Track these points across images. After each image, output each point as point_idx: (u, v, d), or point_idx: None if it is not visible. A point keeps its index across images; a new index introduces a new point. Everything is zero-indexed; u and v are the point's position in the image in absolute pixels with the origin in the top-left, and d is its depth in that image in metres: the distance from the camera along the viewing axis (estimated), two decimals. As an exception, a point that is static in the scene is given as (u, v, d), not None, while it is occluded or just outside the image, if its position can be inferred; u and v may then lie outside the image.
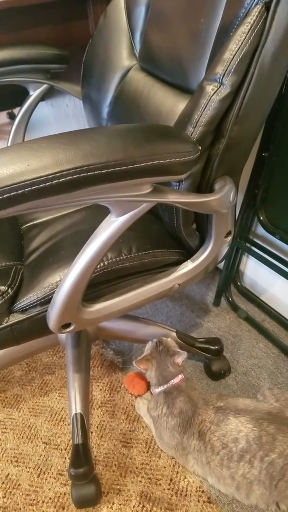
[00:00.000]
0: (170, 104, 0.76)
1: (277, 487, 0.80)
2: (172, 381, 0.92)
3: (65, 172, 0.43)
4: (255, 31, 0.56)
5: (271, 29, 0.56)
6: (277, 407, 0.89)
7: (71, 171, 0.43)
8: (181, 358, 0.93)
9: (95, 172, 0.44)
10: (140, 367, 0.93)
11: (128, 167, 0.46)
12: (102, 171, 0.45)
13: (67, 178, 0.43)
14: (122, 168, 0.46)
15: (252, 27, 0.56)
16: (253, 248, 1.24)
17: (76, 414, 0.93)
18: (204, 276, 0.81)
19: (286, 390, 1.10)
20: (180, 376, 0.93)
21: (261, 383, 1.14)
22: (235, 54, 0.57)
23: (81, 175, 0.44)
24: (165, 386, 0.92)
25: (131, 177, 0.48)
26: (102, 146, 0.46)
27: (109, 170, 0.45)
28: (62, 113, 1.76)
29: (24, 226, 0.90)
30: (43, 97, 1.07)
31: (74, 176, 0.43)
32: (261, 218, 1.15)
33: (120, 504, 0.89)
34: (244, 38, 0.57)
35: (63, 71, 1.04)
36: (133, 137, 0.49)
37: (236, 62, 0.57)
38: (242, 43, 0.57)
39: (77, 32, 1.17)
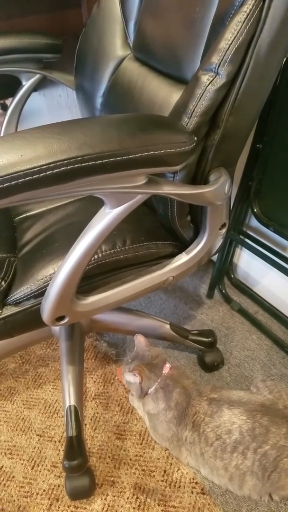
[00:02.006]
0: (165, 94, 0.75)
1: (270, 478, 0.81)
2: (163, 372, 0.92)
3: (59, 163, 0.42)
4: (251, 20, 0.55)
5: (267, 18, 0.55)
6: (271, 399, 0.90)
7: (65, 161, 0.42)
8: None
9: (90, 163, 0.44)
10: (135, 373, 0.90)
11: (123, 157, 0.46)
12: (97, 162, 0.44)
13: (61, 169, 0.42)
14: (117, 159, 0.45)
15: (248, 16, 0.55)
16: (247, 240, 1.24)
17: (70, 406, 0.93)
18: (198, 268, 0.81)
19: (279, 382, 1.11)
20: (167, 365, 0.93)
21: (254, 375, 1.15)
22: (230, 44, 0.56)
23: (75, 166, 0.43)
24: (159, 380, 0.91)
25: (126, 168, 0.47)
26: (96, 136, 0.45)
27: (103, 161, 0.44)
28: (55, 104, 1.74)
29: (17, 218, 0.89)
30: (36, 87, 1.05)
31: (68, 167, 0.43)
32: (255, 210, 1.15)
33: (114, 496, 0.89)
34: (240, 28, 0.56)
35: (56, 61, 1.02)
36: (128, 127, 0.49)
37: (232, 51, 0.56)
38: (238, 33, 0.56)
39: (70, 21, 1.15)
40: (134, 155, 0.46)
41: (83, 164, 0.43)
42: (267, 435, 0.82)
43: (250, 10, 0.55)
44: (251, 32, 0.56)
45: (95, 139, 0.45)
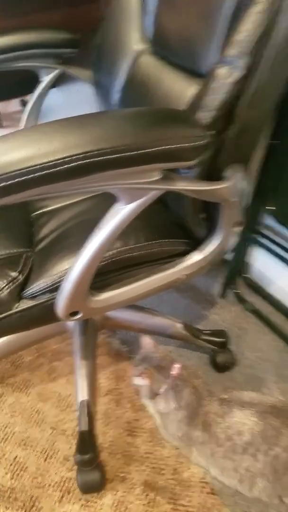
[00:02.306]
0: (181, 88, 0.75)
1: (281, 481, 0.80)
2: (172, 372, 0.91)
3: (74, 157, 0.42)
4: (268, 11, 0.55)
5: (284, 9, 0.55)
6: (283, 401, 0.89)
7: (81, 155, 0.42)
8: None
9: (105, 157, 0.44)
10: (143, 377, 0.89)
11: (139, 152, 0.46)
12: (112, 156, 0.44)
13: (78, 163, 0.42)
14: (132, 153, 0.45)
15: (266, 7, 0.55)
16: (262, 239, 1.23)
17: (82, 401, 0.94)
18: (211, 267, 0.81)
19: (291, 384, 1.10)
20: (176, 365, 0.92)
21: (266, 376, 1.13)
22: (248, 36, 0.56)
23: (91, 160, 0.43)
24: (168, 381, 0.91)
25: (140, 163, 0.47)
26: (111, 130, 0.45)
27: (118, 155, 0.44)
28: (73, 100, 1.75)
29: (34, 213, 0.90)
30: (54, 83, 1.06)
31: (84, 161, 0.43)
32: (271, 208, 1.13)
33: (124, 492, 0.89)
34: (257, 19, 0.55)
35: (74, 56, 1.02)
36: (142, 121, 0.49)
37: (249, 44, 0.56)
38: (255, 24, 0.56)
39: (88, 15, 1.16)
40: (148, 150, 0.46)
41: (98, 159, 0.43)
42: (279, 437, 0.81)
43: (268, 0, 0.54)
44: (268, 24, 0.55)
45: (109, 133, 0.45)
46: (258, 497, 0.85)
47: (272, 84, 0.62)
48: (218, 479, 0.89)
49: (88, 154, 0.43)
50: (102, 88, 0.98)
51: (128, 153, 0.45)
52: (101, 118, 0.48)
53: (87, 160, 0.43)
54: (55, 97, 1.87)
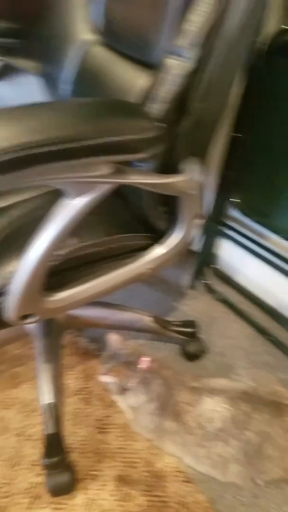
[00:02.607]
0: (131, 80, 0.73)
1: (253, 464, 0.81)
2: (141, 366, 0.91)
3: (8, 149, 0.40)
4: (219, 2, 0.54)
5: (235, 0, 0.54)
6: (253, 386, 0.90)
7: (13, 148, 0.40)
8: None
9: (43, 149, 0.41)
10: (110, 377, 0.90)
11: (79, 144, 0.43)
12: (50, 148, 0.41)
13: (13, 156, 0.40)
14: (73, 145, 0.43)
15: (215, -2, 0.54)
16: (228, 230, 1.24)
17: (47, 404, 0.92)
18: (178, 259, 0.80)
19: (261, 369, 1.12)
20: (145, 358, 0.92)
21: (236, 362, 1.15)
22: (198, 26, 0.55)
23: (28, 152, 0.40)
24: (138, 374, 0.91)
25: (83, 155, 0.45)
26: (48, 121, 0.43)
27: (57, 146, 0.42)
28: (22, 91, 1.69)
29: (-22, 214, 0.86)
30: (0, 75, 1.02)
31: (15, 155, 0.40)
32: (236, 200, 1.14)
33: (97, 490, 0.88)
34: (207, 10, 0.54)
35: (19, 47, 0.99)
36: (84, 111, 0.46)
37: (200, 34, 0.55)
38: (205, 15, 0.55)
39: (32, 4, 1.11)
40: (90, 141, 0.44)
41: (35, 151, 0.41)
42: (249, 422, 0.82)
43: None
44: (219, 15, 0.55)
45: (45, 124, 0.42)
46: (232, 481, 0.86)
47: (225, 77, 0.62)
48: (192, 467, 0.90)
49: (22, 146, 0.40)
50: (50, 80, 0.94)
51: (68, 145, 0.43)
52: (38, 109, 0.45)
53: (19, 154, 0.40)
54: (3, 90, 1.81)
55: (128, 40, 0.75)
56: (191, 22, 0.56)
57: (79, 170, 0.48)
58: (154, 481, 0.90)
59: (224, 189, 1.17)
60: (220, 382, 0.91)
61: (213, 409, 0.84)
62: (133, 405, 0.92)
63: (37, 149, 0.41)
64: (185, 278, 1.45)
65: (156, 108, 0.59)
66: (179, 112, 0.61)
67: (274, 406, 0.84)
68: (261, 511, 0.85)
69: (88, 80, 0.84)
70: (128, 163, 0.61)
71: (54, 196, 0.85)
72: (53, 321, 1.03)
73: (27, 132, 0.41)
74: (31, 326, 1.03)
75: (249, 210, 1.12)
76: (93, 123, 0.46)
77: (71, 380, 1.11)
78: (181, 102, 0.60)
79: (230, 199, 1.18)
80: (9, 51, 0.99)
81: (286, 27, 0.87)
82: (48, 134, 0.42)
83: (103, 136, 0.46)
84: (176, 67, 0.57)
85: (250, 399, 0.86)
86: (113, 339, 0.95)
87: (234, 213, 1.23)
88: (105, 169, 0.51)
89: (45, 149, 0.42)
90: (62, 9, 0.88)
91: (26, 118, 0.42)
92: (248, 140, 1.04)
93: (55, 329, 1.02)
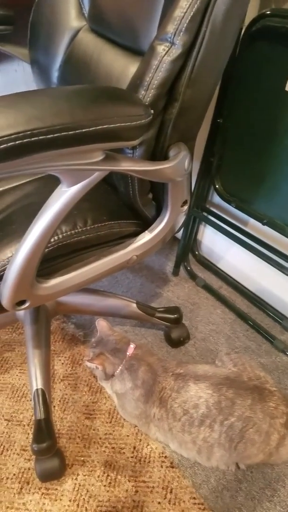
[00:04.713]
0: (121, 67, 0.73)
1: (237, 448, 0.83)
2: (127, 353, 0.92)
3: (5, 138, 0.39)
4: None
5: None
6: (235, 372, 0.92)
7: (12, 136, 0.39)
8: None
9: (40, 138, 0.41)
10: (96, 363, 0.89)
11: (76, 131, 0.43)
12: (47, 136, 0.41)
13: (9, 144, 0.39)
14: (69, 133, 0.43)
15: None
16: (210, 216, 1.25)
17: (37, 389, 0.92)
18: (162, 246, 0.81)
19: (243, 354, 1.14)
20: (131, 345, 0.93)
21: (219, 348, 1.17)
22: (185, 12, 0.54)
23: (24, 140, 0.40)
24: (124, 361, 0.91)
25: (79, 142, 0.45)
26: (46, 108, 0.42)
27: (54, 135, 0.42)
28: (10, 79, 1.66)
29: (-29, 200, 0.85)
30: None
31: (17, 142, 0.40)
32: (217, 186, 1.15)
33: (85, 475, 0.90)
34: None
35: (8, 33, 0.96)
36: (80, 99, 0.46)
37: (187, 20, 0.54)
38: (193, 0, 0.54)
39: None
40: (87, 129, 0.44)
41: (32, 139, 0.40)
42: (233, 407, 0.83)
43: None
44: (206, 0, 0.54)
45: (44, 112, 0.42)
46: (216, 465, 0.88)
47: (213, 62, 0.61)
48: (177, 452, 0.92)
49: (21, 134, 0.40)
50: (40, 67, 0.93)
51: (65, 133, 0.42)
52: (35, 96, 0.44)
53: (20, 141, 0.40)
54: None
55: (118, 27, 0.74)
56: (179, 8, 0.55)
57: (74, 158, 0.47)
58: (140, 466, 0.91)
59: (206, 175, 1.18)
60: (204, 368, 0.92)
61: (198, 395, 0.86)
62: (119, 392, 0.93)
63: (37, 137, 0.41)
64: (169, 264, 1.45)
65: (145, 94, 0.58)
66: (167, 98, 0.61)
67: (256, 391, 0.86)
68: (245, 495, 0.87)
69: (77, 67, 0.82)
70: (118, 150, 0.60)
71: (43, 182, 0.85)
72: (41, 307, 1.02)
73: (28, 119, 0.41)
74: (21, 312, 1.02)
75: (229, 196, 1.13)
76: (90, 111, 0.46)
77: (59, 366, 1.11)
78: (169, 88, 0.60)
79: (211, 185, 1.18)
80: (0, 38, 0.96)
81: (264, 11, 0.87)
82: (48, 122, 0.42)
83: (100, 124, 0.45)
84: (164, 53, 0.57)
85: (232, 384, 0.87)
86: (102, 325, 0.95)
87: (215, 198, 1.24)
88: (96, 156, 0.50)
89: (46, 136, 0.41)
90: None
91: (25, 106, 0.42)
92: (229, 125, 1.04)
93: (43, 315, 1.02)
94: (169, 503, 0.85)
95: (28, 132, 0.40)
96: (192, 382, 0.88)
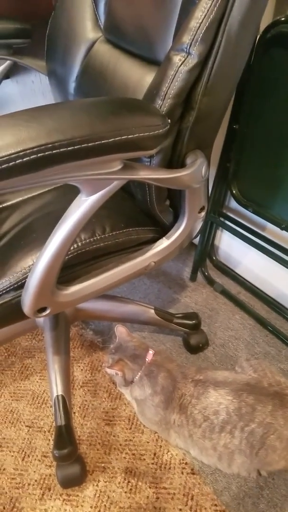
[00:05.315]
0: (137, 77, 0.74)
1: (258, 455, 0.82)
2: (146, 359, 0.92)
3: (28, 151, 0.40)
4: (219, -2, 0.54)
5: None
6: (255, 378, 0.91)
7: (35, 149, 0.41)
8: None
9: (61, 150, 0.42)
10: (116, 369, 0.90)
11: (96, 143, 0.44)
12: (68, 148, 0.42)
13: (31, 157, 0.41)
14: (89, 144, 0.44)
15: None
16: (227, 222, 1.25)
17: (57, 396, 0.93)
18: (180, 252, 0.81)
19: (263, 360, 1.13)
20: (150, 352, 0.93)
21: (238, 354, 1.16)
22: (201, 22, 0.55)
23: (46, 153, 0.41)
24: (143, 368, 0.92)
25: (99, 153, 0.46)
26: (66, 121, 0.44)
27: (75, 147, 0.43)
28: (28, 90, 1.70)
29: (-8, 209, 0.87)
30: (8, 74, 1.02)
31: (39, 155, 0.41)
32: (234, 191, 1.14)
33: (106, 482, 0.90)
34: (210, 5, 0.54)
35: (26, 46, 0.99)
36: (99, 111, 0.47)
37: (203, 30, 0.55)
38: (208, 11, 0.55)
39: (39, 4, 1.11)
40: (106, 140, 0.45)
41: (54, 151, 0.42)
42: (254, 414, 0.83)
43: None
44: (222, 10, 0.55)
45: (65, 125, 0.43)
46: (237, 472, 0.88)
47: (229, 71, 0.62)
48: (197, 459, 0.91)
49: (43, 147, 0.41)
50: (57, 79, 0.95)
51: (85, 145, 0.43)
52: (56, 110, 0.46)
53: (42, 154, 0.41)
54: (9, 88, 1.81)
55: (133, 38, 0.76)
56: (195, 18, 0.56)
57: (94, 168, 0.48)
58: (161, 473, 0.91)
59: (222, 181, 1.18)
60: (223, 374, 0.92)
61: (218, 401, 0.85)
62: (138, 398, 0.93)
63: (59, 149, 0.42)
64: (186, 270, 1.46)
65: (162, 104, 0.59)
66: (184, 107, 0.62)
67: (277, 397, 0.85)
68: (266, 502, 0.86)
69: (93, 77, 0.84)
70: (136, 159, 0.61)
71: (62, 192, 0.87)
72: (61, 314, 1.04)
73: (49, 132, 0.42)
74: (40, 319, 1.04)
75: (246, 201, 1.13)
76: (109, 122, 0.47)
77: (78, 372, 1.12)
78: (186, 97, 0.60)
79: (228, 190, 1.18)
80: (17, 50, 0.99)
81: (279, 18, 0.87)
82: (69, 135, 0.43)
83: (119, 135, 0.46)
84: (181, 63, 0.57)
85: (252, 390, 0.87)
86: (121, 331, 0.96)
87: (232, 203, 1.24)
88: (115, 166, 0.51)
89: (67, 148, 0.42)
90: (69, 8, 0.88)
91: (46, 119, 0.43)
92: (245, 131, 1.04)
93: (62, 322, 1.03)
94: (190, 510, 0.85)
95: (50, 145, 0.41)
96: (212, 388, 0.87)
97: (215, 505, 0.86)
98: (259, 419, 0.82)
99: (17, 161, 0.40)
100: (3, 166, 0.40)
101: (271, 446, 0.82)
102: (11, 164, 0.40)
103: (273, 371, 0.94)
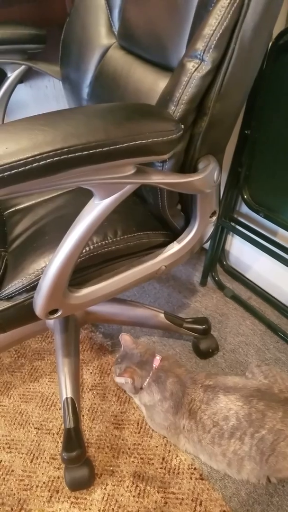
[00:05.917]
0: (150, 83, 0.75)
1: (268, 461, 0.82)
2: (154, 365, 0.92)
3: (44, 155, 0.41)
4: (235, 5, 0.55)
5: (250, 2, 0.55)
6: (266, 384, 0.90)
7: (51, 153, 0.42)
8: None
9: (76, 154, 0.43)
10: (126, 377, 0.90)
11: (110, 148, 0.45)
12: (83, 153, 0.43)
13: (47, 161, 0.42)
14: (104, 149, 0.45)
15: (232, 1, 0.54)
16: (238, 226, 1.24)
17: (66, 398, 0.93)
18: (190, 256, 0.81)
19: (273, 366, 1.12)
20: (157, 357, 0.93)
21: (249, 360, 1.16)
22: (215, 29, 0.56)
23: (62, 157, 0.42)
24: (151, 374, 0.92)
25: (113, 158, 0.47)
26: (81, 126, 0.44)
27: (90, 151, 0.44)
28: (41, 95, 1.72)
29: (6, 212, 0.88)
30: (22, 79, 1.04)
31: (55, 159, 0.42)
32: (245, 196, 1.14)
33: (114, 485, 0.90)
34: (224, 13, 0.55)
35: (41, 51, 1.01)
36: (114, 116, 0.48)
37: (217, 37, 0.56)
38: (222, 18, 0.55)
39: (54, 10, 1.13)
40: (120, 145, 0.46)
41: (69, 156, 0.43)
42: (264, 420, 0.82)
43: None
44: (235, 17, 0.55)
45: (80, 130, 0.44)
46: (246, 479, 0.87)
47: (242, 77, 0.62)
48: (206, 464, 0.91)
49: (58, 151, 0.42)
50: (71, 84, 0.96)
51: (100, 149, 0.44)
52: (71, 115, 0.47)
53: (58, 158, 0.42)
54: (23, 92, 1.84)
55: (147, 44, 0.77)
56: (209, 25, 0.56)
57: (107, 172, 0.49)
58: (170, 478, 0.91)
59: (233, 185, 1.18)
60: (233, 380, 0.92)
61: (228, 407, 0.85)
62: (148, 404, 0.93)
63: (74, 154, 0.43)
64: (196, 275, 1.45)
65: (175, 109, 0.60)
66: (196, 112, 0.62)
67: (288, 404, 0.85)
68: (276, 509, 0.86)
69: (107, 83, 0.85)
70: (148, 164, 0.62)
71: (74, 195, 0.87)
72: (71, 316, 1.04)
73: (64, 137, 0.43)
74: (51, 321, 1.05)
75: (257, 206, 1.13)
76: (123, 127, 0.47)
77: (87, 376, 1.12)
78: (199, 103, 0.61)
79: (239, 195, 1.18)
80: (32, 55, 1.01)
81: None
82: (84, 139, 0.44)
83: (132, 140, 0.47)
84: (194, 69, 0.58)
85: (263, 396, 0.86)
86: (125, 339, 0.96)
87: (243, 208, 1.24)
88: (129, 170, 0.52)
89: (82, 153, 0.43)
90: (84, 15, 0.89)
91: (62, 124, 0.44)
92: (256, 136, 1.04)
93: (72, 324, 1.04)
94: (199, 516, 0.85)
95: (65, 149, 0.42)
96: (222, 394, 0.87)
97: (224, 511, 0.85)
98: (269, 425, 0.82)
99: (34, 165, 0.41)
100: (20, 170, 0.41)
101: (282, 453, 0.81)
102: (27, 167, 0.41)
103: (284, 377, 0.93)
